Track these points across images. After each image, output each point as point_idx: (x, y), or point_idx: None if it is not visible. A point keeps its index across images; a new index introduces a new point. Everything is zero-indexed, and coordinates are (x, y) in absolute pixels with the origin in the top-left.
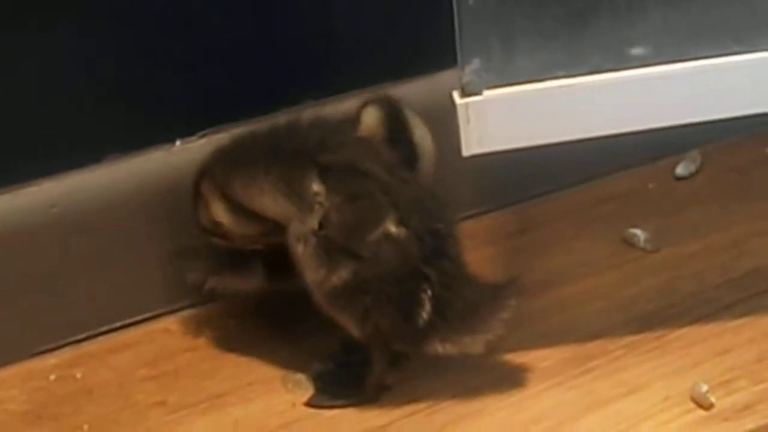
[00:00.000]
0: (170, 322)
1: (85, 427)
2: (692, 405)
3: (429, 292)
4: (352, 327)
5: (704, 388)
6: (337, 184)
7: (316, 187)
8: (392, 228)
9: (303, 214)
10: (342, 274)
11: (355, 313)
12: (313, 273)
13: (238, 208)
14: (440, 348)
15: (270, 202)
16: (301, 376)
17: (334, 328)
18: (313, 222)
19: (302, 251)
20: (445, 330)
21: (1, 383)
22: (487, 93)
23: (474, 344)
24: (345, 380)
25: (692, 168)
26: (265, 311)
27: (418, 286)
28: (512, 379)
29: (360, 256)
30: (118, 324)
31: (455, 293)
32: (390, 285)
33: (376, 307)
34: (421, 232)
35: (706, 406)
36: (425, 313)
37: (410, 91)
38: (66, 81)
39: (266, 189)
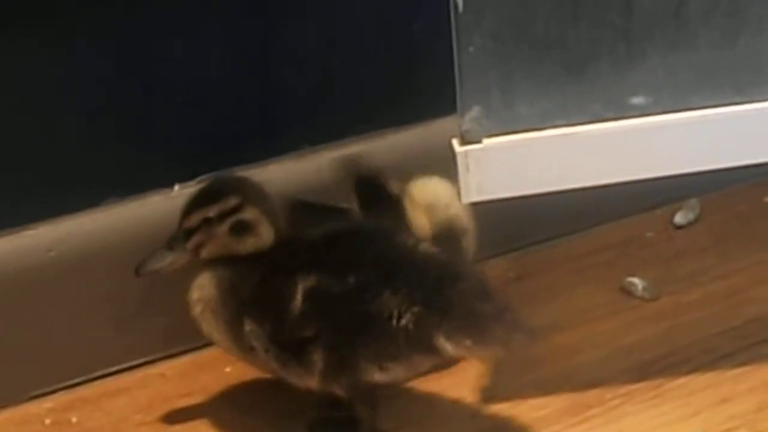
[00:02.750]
0: (166, 368)
1: None
2: None
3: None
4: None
5: None
6: None
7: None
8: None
9: None
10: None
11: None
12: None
13: None
14: (446, 345)
15: None
16: (296, 425)
17: None
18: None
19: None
20: (447, 326)
21: None
22: (487, 141)
23: (477, 349)
24: (340, 428)
25: (691, 216)
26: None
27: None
28: (509, 427)
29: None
30: (113, 368)
31: (458, 292)
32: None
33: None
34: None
35: None
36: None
37: (409, 138)
38: (64, 125)
39: None
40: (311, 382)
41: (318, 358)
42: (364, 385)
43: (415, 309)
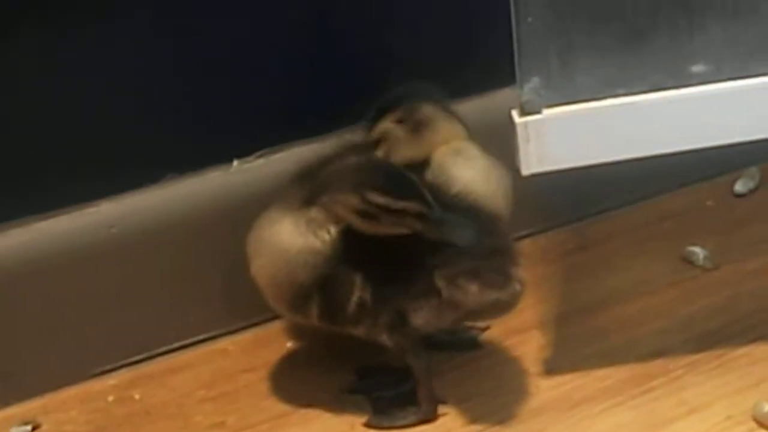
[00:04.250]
0: (228, 344)
1: None
2: (754, 424)
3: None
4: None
5: (767, 407)
6: None
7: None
8: None
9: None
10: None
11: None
12: None
13: None
14: (444, 286)
15: None
16: (359, 397)
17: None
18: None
19: None
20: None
21: (60, 405)
22: (547, 112)
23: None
24: (401, 400)
25: (751, 185)
26: (323, 332)
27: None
28: (571, 399)
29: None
30: (176, 345)
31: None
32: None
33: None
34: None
35: None
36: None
37: (468, 110)
38: (124, 102)
39: None
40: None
41: (353, 290)
42: (406, 327)
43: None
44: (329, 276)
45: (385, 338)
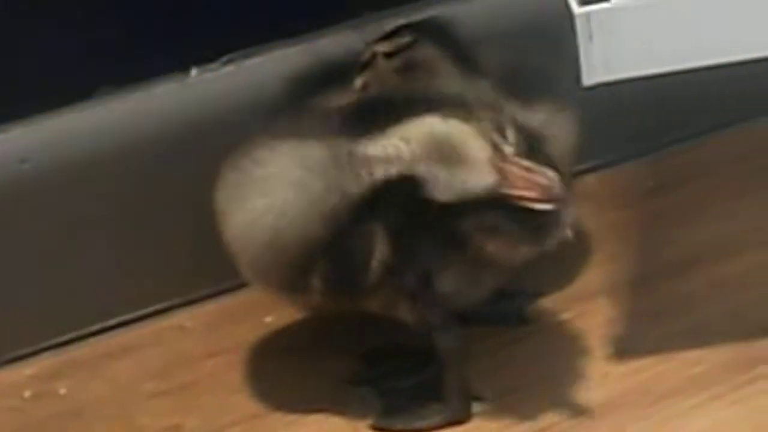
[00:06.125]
0: (185, 318)
1: None
2: None
3: None
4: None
5: None
6: None
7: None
8: None
9: None
10: None
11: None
12: None
13: None
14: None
15: None
16: (364, 390)
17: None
18: None
19: None
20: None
21: None
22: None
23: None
24: (421, 393)
25: None
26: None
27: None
28: (653, 391)
29: None
30: (113, 321)
31: None
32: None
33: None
34: None
35: None
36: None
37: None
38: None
39: None
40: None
41: (374, 244)
42: (432, 294)
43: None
44: (347, 232)
45: (404, 310)
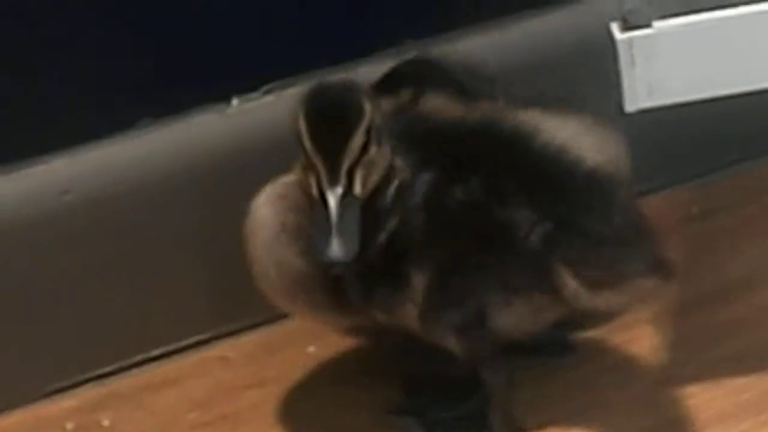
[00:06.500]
0: (227, 349)
1: None
2: None
3: None
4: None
5: None
6: None
7: None
8: None
9: None
10: None
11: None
12: None
13: None
14: (568, 280)
15: None
16: (408, 421)
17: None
18: None
19: None
20: (576, 257)
21: None
22: (659, 25)
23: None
24: (465, 424)
25: None
26: (356, 331)
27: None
28: (698, 419)
29: None
30: (156, 352)
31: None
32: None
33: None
34: None
35: None
36: None
37: (554, 24)
38: (81, 23)
39: None
40: (406, 315)
41: (419, 280)
42: (485, 330)
43: (548, 225)
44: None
45: (452, 342)
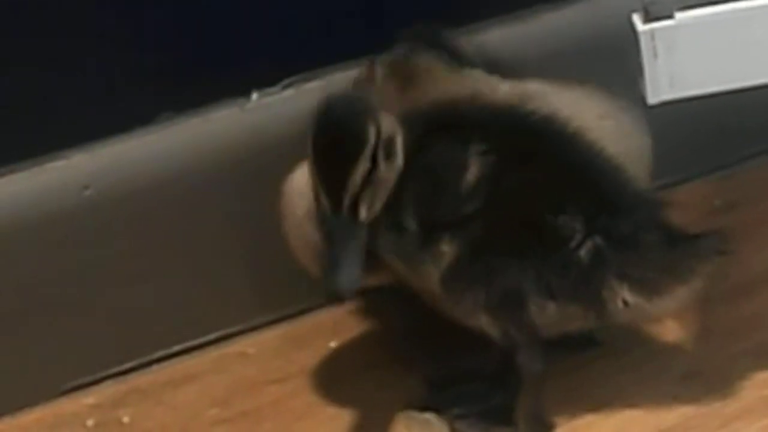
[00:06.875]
0: (248, 345)
1: None
2: None
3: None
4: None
5: None
6: None
7: None
8: None
9: None
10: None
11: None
12: None
13: None
14: (616, 298)
15: None
16: (430, 417)
17: (475, 344)
18: None
19: None
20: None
21: (21, 431)
22: (681, 16)
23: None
24: (491, 418)
25: None
26: (378, 325)
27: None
28: (722, 413)
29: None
30: (176, 348)
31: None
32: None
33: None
34: None
35: None
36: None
37: (573, 15)
38: (102, 17)
39: None
40: (429, 276)
41: (449, 247)
42: (522, 314)
43: (598, 240)
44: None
45: (485, 322)
